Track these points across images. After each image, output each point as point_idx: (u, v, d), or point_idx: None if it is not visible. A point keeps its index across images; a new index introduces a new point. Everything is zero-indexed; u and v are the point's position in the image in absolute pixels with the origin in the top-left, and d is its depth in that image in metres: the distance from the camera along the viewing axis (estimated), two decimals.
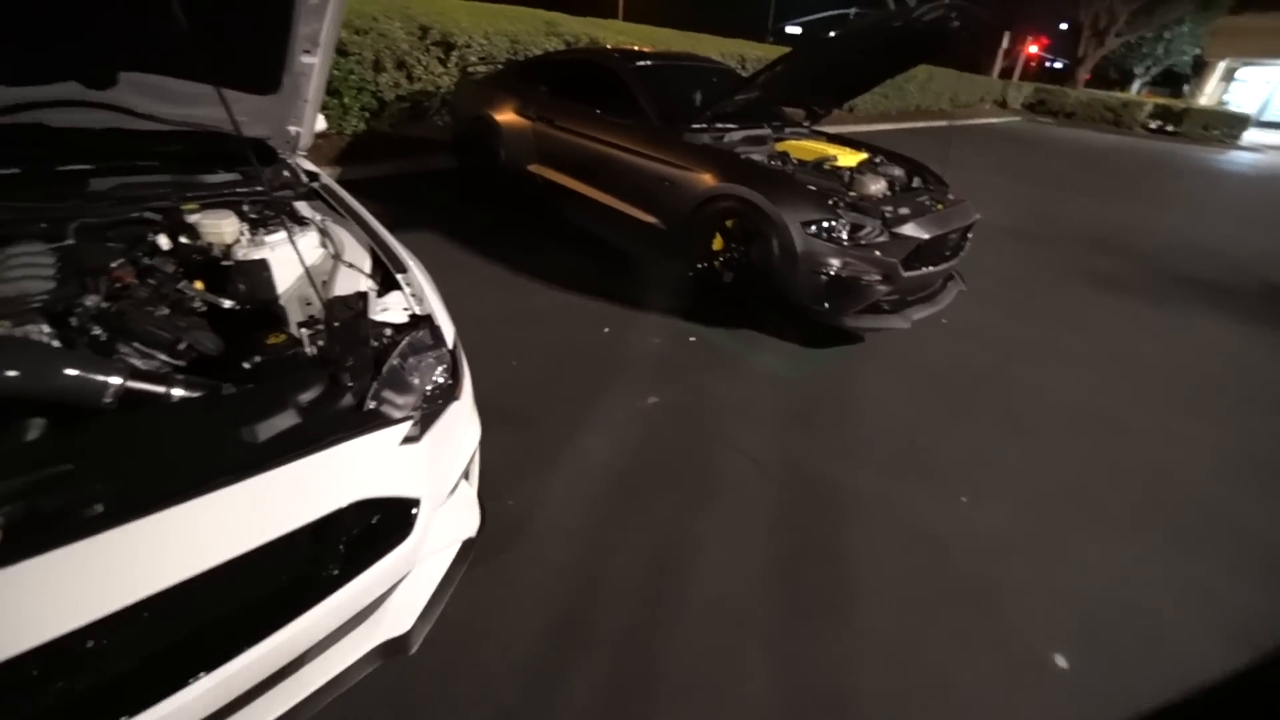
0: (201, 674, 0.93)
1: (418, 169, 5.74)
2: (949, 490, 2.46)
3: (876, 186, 3.48)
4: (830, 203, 3.16)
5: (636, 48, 5.04)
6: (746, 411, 2.80)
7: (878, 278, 3.11)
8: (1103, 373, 3.60)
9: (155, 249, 1.69)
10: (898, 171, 3.82)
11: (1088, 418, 3.11)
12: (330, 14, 1.81)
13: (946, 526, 2.27)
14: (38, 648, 0.82)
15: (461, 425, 1.42)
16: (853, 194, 3.36)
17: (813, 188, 3.28)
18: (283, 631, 1.04)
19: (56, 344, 1.27)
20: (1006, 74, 24.33)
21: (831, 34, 3.40)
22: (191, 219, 1.74)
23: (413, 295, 1.58)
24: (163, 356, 1.38)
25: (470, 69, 6.28)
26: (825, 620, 1.85)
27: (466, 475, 1.54)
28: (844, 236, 3.12)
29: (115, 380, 1.19)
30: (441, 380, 1.40)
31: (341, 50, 5.45)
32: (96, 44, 1.67)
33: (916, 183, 3.84)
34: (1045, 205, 7.88)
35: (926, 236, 3.19)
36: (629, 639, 1.71)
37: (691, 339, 3.37)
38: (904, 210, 3.27)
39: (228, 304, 1.61)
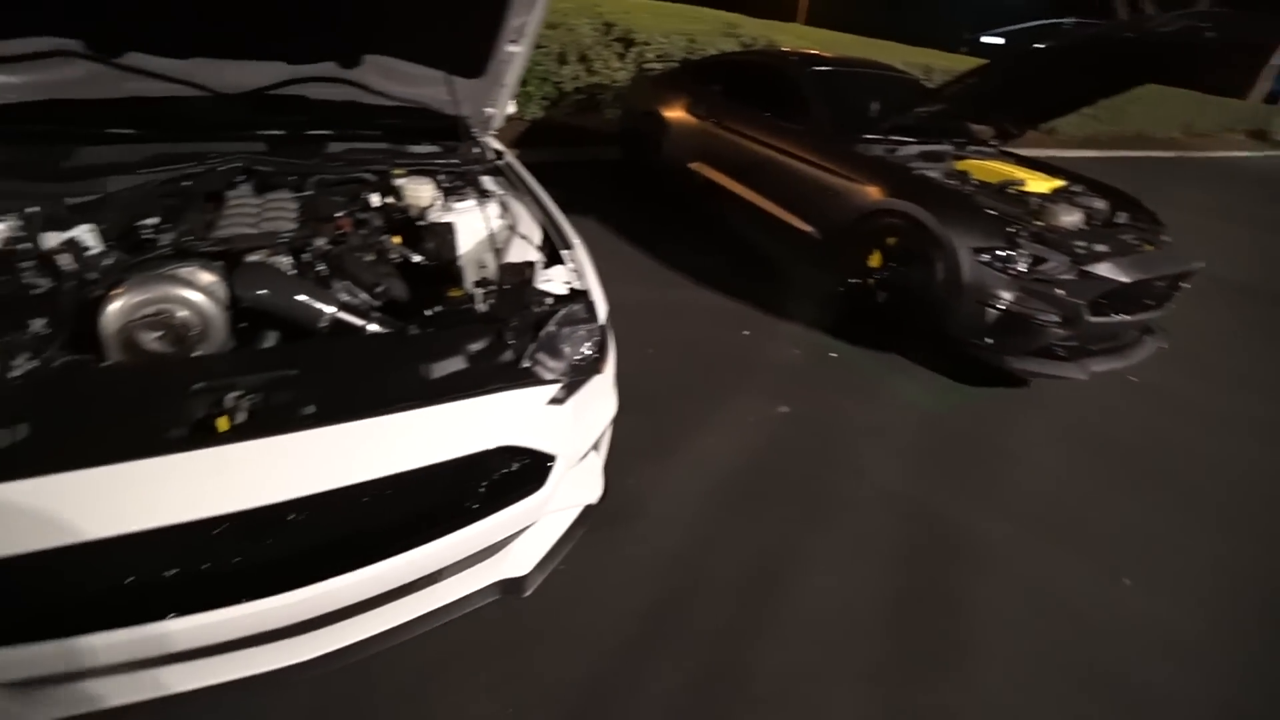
0: (366, 564, 1.09)
1: (586, 158, 6.05)
2: (1107, 567, 2.16)
3: (1070, 218, 3.11)
4: (1009, 230, 2.88)
5: (814, 52, 4.93)
6: (881, 439, 2.66)
7: (1055, 319, 2.78)
8: None
9: (368, 205, 1.97)
10: (1099, 204, 3.37)
11: None
12: (538, 8, 1.98)
13: (1097, 606, 2.00)
14: (259, 508, 1.01)
15: (601, 398, 1.51)
16: (1039, 223, 3.03)
17: (991, 212, 3.01)
18: (426, 546, 1.18)
19: (293, 274, 1.53)
20: (1273, 98, 19.95)
21: (1039, 45, 3.08)
22: (398, 183, 2.00)
23: (574, 271, 1.69)
24: (364, 295, 1.61)
25: (646, 65, 6.51)
26: (931, 670, 1.72)
27: (596, 446, 1.63)
28: (1021, 268, 2.83)
29: (330, 309, 1.41)
30: (589, 353, 1.49)
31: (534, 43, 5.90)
32: (353, 29, 1.96)
33: (1122, 218, 3.37)
34: None
35: (1124, 280, 2.80)
36: (723, 636, 1.71)
37: (833, 355, 3.25)
38: (1100, 247, 2.90)
39: (417, 259, 1.84)
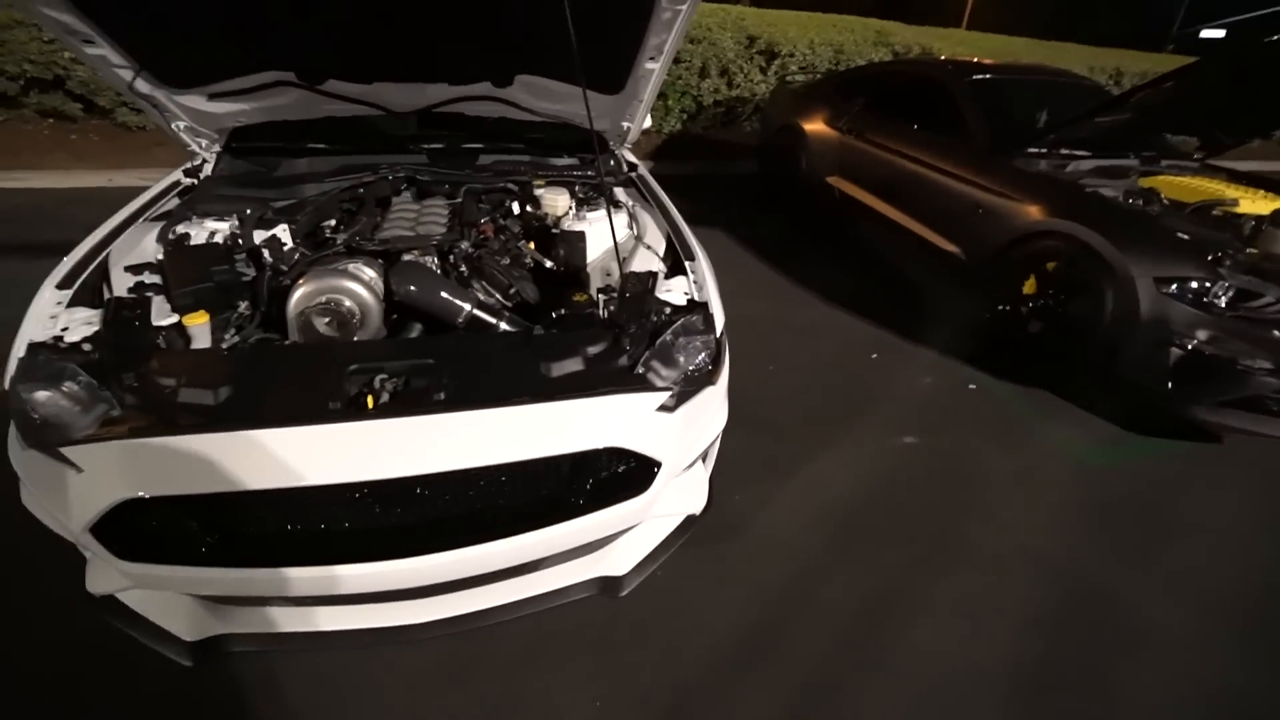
0: (480, 542, 1.19)
1: (722, 171, 6.07)
2: None
3: None
4: (1210, 258, 2.46)
5: (974, 60, 4.56)
6: (1022, 486, 2.38)
7: (1266, 365, 2.32)
8: None
9: (509, 213, 2.13)
10: None
11: None
12: (678, 27, 2.03)
13: (1270, 712, 1.63)
14: (393, 479, 1.14)
15: (711, 410, 1.51)
16: (1251, 250, 2.56)
17: (1183, 235, 2.59)
18: (534, 534, 1.26)
19: (439, 273, 1.70)
20: None
21: (1274, 39, 2.60)
22: (537, 193, 2.15)
23: (695, 283, 1.71)
24: (498, 296, 1.75)
25: (788, 78, 6.40)
26: None
27: (704, 457, 1.63)
28: (1220, 303, 2.40)
29: (467, 307, 1.55)
30: (703, 364, 1.50)
31: (675, 58, 6.03)
32: (507, 53, 2.14)
33: None
34: None
35: None
36: (821, 675, 1.62)
37: (971, 386, 2.97)
38: None
39: (549, 264, 1.96)
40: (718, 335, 1.59)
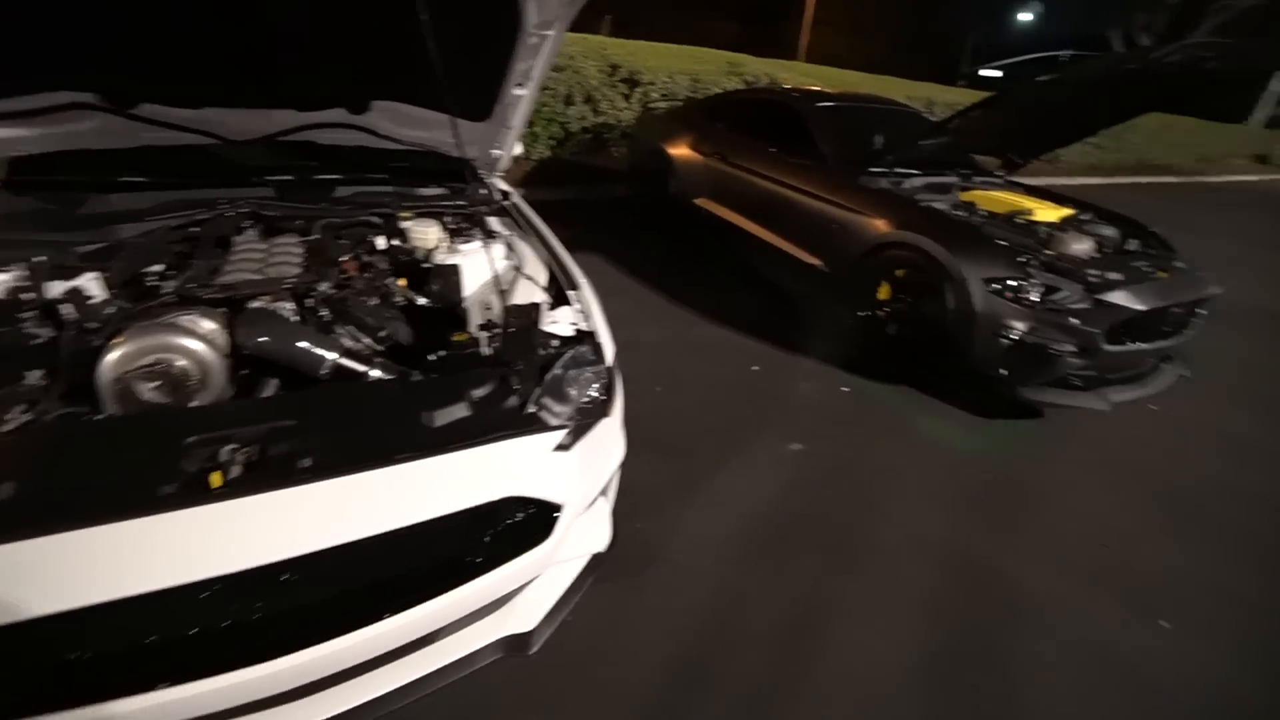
0: (362, 626, 1.03)
1: (593, 196, 6.12)
2: (1146, 610, 2.05)
3: (1080, 246, 3.08)
4: (1020, 260, 2.85)
5: (818, 88, 5.01)
6: (901, 477, 2.58)
7: (1070, 348, 2.72)
8: None
9: (374, 248, 1.96)
10: (1110, 232, 3.35)
11: None
12: (545, 53, 2.00)
13: (1140, 653, 1.89)
14: (248, 570, 0.97)
15: (608, 441, 1.46)
16: (1049, 252, 3.01)
17: (1001, 242, 2.99)
18: (426, 605, 1.12)
19: (296, 319, 1.51)
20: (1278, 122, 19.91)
21: (1046, 78, 3.10)
22: (404, 225, 2.00)
23: (580, 312, 1.66)
24: (367, 340, 1.58)
25: (651, 105, 6.63)
26: None
27: (604, 491, 1.57)
28: (1033, 298, 2.79)
29: (331, 356, 1.39)
30: (597, 395, 1.45)
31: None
32: (362, 77, 1.99)
33: (1134, 245, 3.34)
34: None
35: (1141, 308, 2.75)
36: (748, 695, 1.62)
37: (845, 389, 3.19)
38: (1114, 275, 2.86)
39: (423, 301, 1.82)
40: (609, 364, 1.55)
